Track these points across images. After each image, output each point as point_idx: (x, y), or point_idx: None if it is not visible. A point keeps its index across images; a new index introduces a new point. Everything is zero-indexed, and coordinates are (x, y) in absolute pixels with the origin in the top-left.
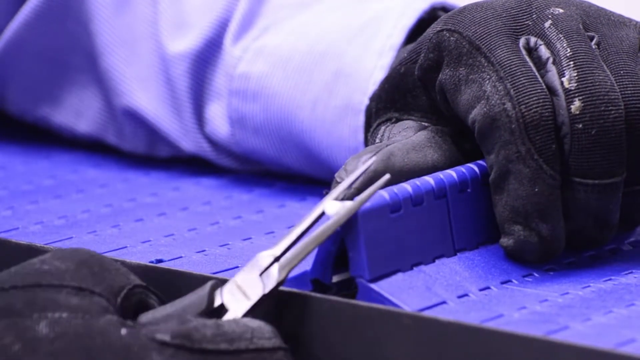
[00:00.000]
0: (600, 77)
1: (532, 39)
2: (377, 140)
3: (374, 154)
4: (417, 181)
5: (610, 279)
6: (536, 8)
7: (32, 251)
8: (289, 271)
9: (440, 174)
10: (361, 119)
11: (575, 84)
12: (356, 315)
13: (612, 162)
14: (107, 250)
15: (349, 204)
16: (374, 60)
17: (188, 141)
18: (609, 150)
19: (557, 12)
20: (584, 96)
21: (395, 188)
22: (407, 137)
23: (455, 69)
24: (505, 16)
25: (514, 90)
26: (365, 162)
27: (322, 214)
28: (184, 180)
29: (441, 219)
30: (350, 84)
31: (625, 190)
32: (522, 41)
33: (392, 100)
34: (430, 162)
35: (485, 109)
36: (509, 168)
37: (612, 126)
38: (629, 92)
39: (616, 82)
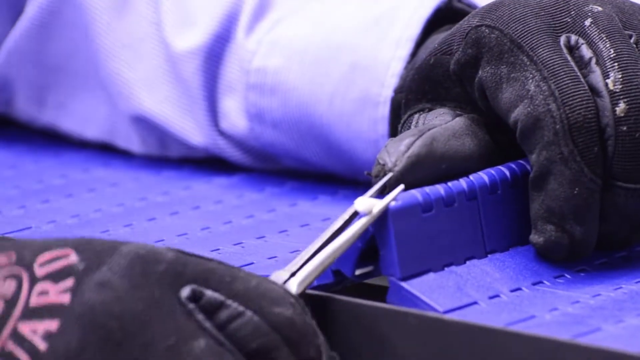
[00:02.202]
0: None
1: (573, 37)
2: (412, 126)
3: (417, 138)
4: (449, 183)
5: None
6: (574, 5)
7: None
8: (306, 287)
9: (471, 176)
10: (380, 110)
11: (620, 86)
12: (363, 315)
13: None
14: None
15: (379, 202)
16: (391, 51)
17: (202, 139)
18: None
19: (596, 9)
20: (629, 98)
21: (427, 189)
22: (445, 121)
23: (497, 67)
24: (544, 14)
25: (558, 90)
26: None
27: (355, 214)
28: (195, 180)
29: (472, 220)
30: (368, 75)
31: None
32: (562, 39)
33: (423, 91)
34: (468, 151)
35: (529, 109)
36: (550, 169)
37: None
38: None
39: None
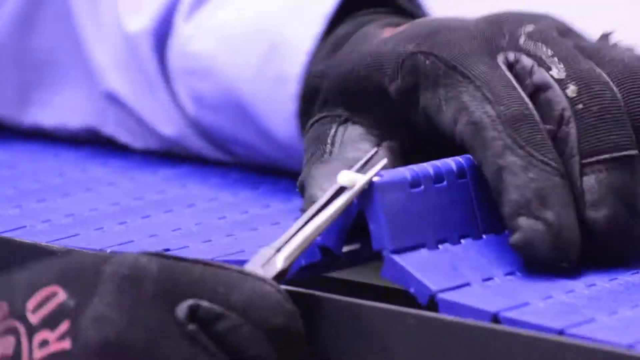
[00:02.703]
0: (587, 66)
1: (511, 54)
2: (329, 140)
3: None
4: (437, 162)
5: (638, 272)
6: (507, 30)
7: (37, 250)
8: (292, 262)
9: (460, 157)
10: (291, 87)
11: (565, 73)
12: (360, 314)
13: (620, 136)
14: (113, 244)
15: (362, 176)
16: (305, 29)
17: (167, 123)
18: (616, 124)
19: (528, 29)
20: (576, 80)
21: (415, 167)
22: (365, 151)
23: (435, 91)
24: (480, 38)
25: (491, 94)
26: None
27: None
28: (191, 178)
29: (464, 199)
30: (282, 54)
31: None
32: (500, 57)
33: (346, 98)
34: None
35: (466, 118)
36: (499, 163)
37: (610, 104)
38: (619, 70)
39: (605, 67)
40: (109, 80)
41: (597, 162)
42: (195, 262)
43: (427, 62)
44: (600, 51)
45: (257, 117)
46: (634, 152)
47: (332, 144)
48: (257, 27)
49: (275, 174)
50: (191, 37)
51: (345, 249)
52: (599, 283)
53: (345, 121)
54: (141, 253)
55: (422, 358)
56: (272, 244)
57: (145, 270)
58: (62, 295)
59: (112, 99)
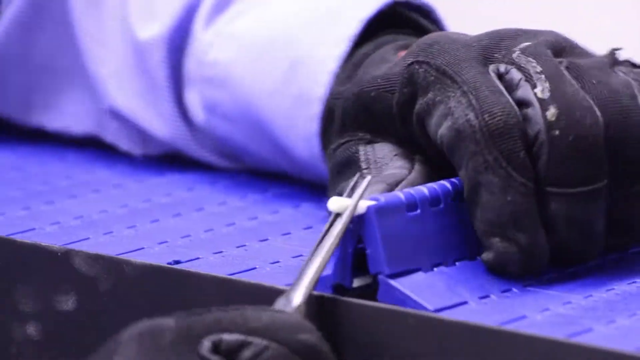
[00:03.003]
0: (572, 89)
1: (502, 66)
2: (362, 163)
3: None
4: (434, 184)
5: (634, 282)
6: (505, 44)
7: (37, 250)
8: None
9: (455, 179)
10: (314, 108)
11: (549, 93)
12: (362, 315)
13: (591, 168)
14: (125, 251)
15: (349, 200)
16: (329, 49)
17: (171, 132)
18: (587, 156)
19: (524, 45)
20: (558, 103)
21: (411, 190)
22: (402, 167)
23: (425, 96)
24: (475, 46)
25: (476, 100)
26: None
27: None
28: (198, 181)
29: (460, 222)
30: (305, 72)
31: (617, 195)
32: (491, 67)
33: (362, 121)
34: None
35: (449, 123)
36: (479, 180)
37: (589, 132)
38: (604, 96)
39: (589, 92)
40: (110, 93)
41: (559, 194)
42: (209, 310)
43: (421, 70)
44: (590, 72)
45: (274, 132)
46: (601, 184)
47: (367, 165)
48: (280, 41)
49: (284, 177)
50: (210, 44)
51: (356, 283)
52: (596, 294)
53: (370, 142)
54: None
55: (422, 358)
56: (284, 293)
57: (162, 324)
58: None
59: (114, 113)
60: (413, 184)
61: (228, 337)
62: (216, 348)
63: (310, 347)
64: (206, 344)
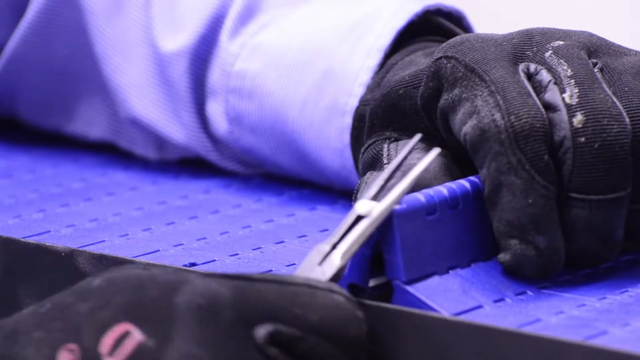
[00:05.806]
0: (602, 95)
1: (532, 65)
2: (385, 159)
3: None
4: (453, 184)
5: None
6: (537, 42)
7: (40, 250)
8: (349, 258)
9: (474, 177)
10: (347, 120)
11: (577, 99)
12: (368, 315)
13: (615, 177)
14: (140, 254)
15: (381, 204)
16: (361, 60)
17: (191, 141)
18: (612, 165)
19: (557, 44)
20: (585, 110)
21: (431, 191)
22: (420, 158)
23: (451, 92)
24: (506, 45)
25: (503, 101)
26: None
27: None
28: (213, 183)
29: (477, 222)
30: (337, 84)
31: (633, 207)
32: (521, 66)
33: (390, 119)
34: None
35: (475, 122)
36: (501, 180)
37: (615, 140)
38: (634, 105)
39: (620, 98)
40: (130, 102)
41: (584, 200)
42: (265, 280)
43: (449, 65)
44: (624, 78)
45: (303, 143)
46: (624, 192)
47: (389, 160)
48: (310, 53)
49: (299, 180)
50: (236, 55)
51: (372, 282)
52: (610, 296)
53: (396, 140)
54: (207, 275)
55: (425, 358)
56: (327, 240)
57: (220, 297)
58: (137, 335)
59: (133, 122)
60: (426, 176)
61: (287, 331)
62: (274, 338)
63: (356, 342)
64: (263, 333)
